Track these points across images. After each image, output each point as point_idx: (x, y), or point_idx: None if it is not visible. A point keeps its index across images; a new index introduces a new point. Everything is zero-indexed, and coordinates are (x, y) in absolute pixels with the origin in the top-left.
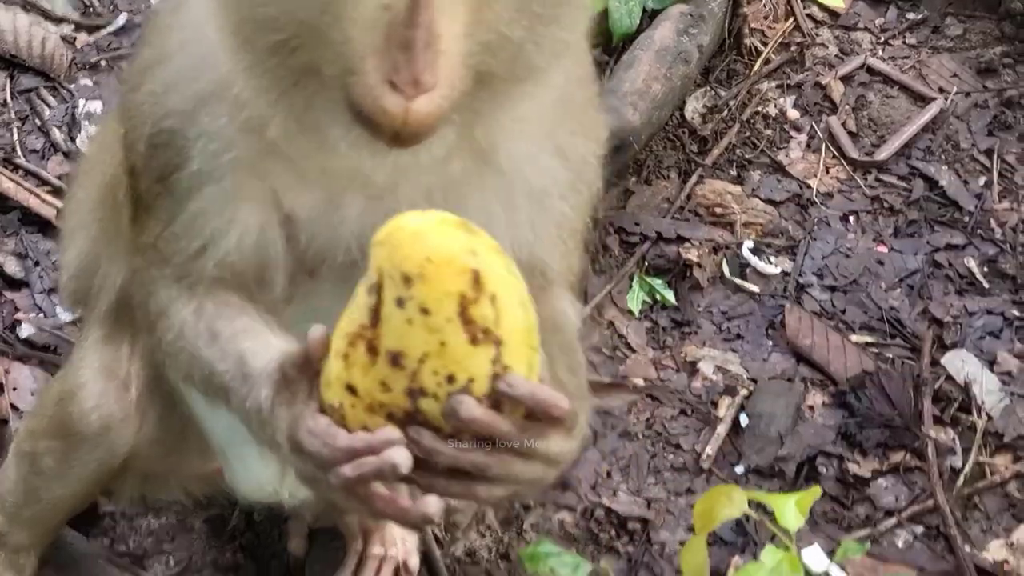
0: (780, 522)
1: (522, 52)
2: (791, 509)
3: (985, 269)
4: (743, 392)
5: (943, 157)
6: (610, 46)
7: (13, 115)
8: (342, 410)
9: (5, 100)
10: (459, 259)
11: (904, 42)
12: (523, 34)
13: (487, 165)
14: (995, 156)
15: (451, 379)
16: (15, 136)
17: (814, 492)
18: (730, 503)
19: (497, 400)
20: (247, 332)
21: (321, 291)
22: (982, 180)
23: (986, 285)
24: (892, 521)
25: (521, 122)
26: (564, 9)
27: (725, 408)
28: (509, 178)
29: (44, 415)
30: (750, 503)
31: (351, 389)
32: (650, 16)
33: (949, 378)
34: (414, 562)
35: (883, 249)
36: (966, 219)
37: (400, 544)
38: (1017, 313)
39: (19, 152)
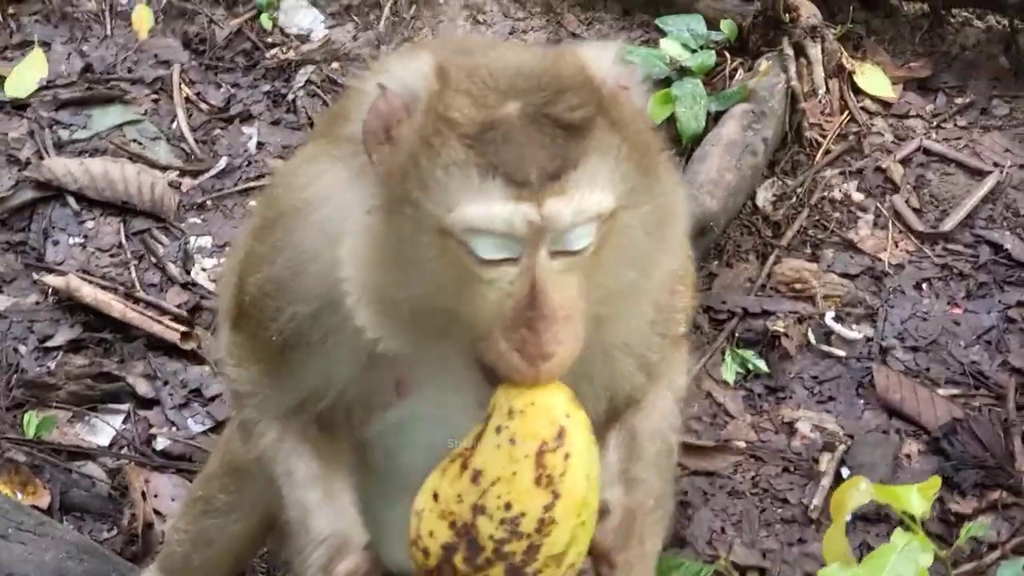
0: (907, 509)
1: (630, 291)
2: (915, 496)
3: None
4: (841, 447)
5: (1005, 224)
6: (681, 147)
7: (129, 255)
8: (420, 516)
9: (120, 242)
10: (555, 412)
11: (956, 124)
12: (629, 277)
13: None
14: None
15: (508, 507)
16: (133, 273)
17: (934, 483)
18: (859, 493)
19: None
20: (316, 481)
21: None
22: None
23: None
24: (996, 554)
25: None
26: (657, 259)
27: (826, 463)
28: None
29: (214, 460)
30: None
31: (435, 496)
32: (715, 117)
33: None
34: None
35: (958, 311)
36: None
37: None
38: None
39: (138, 287)
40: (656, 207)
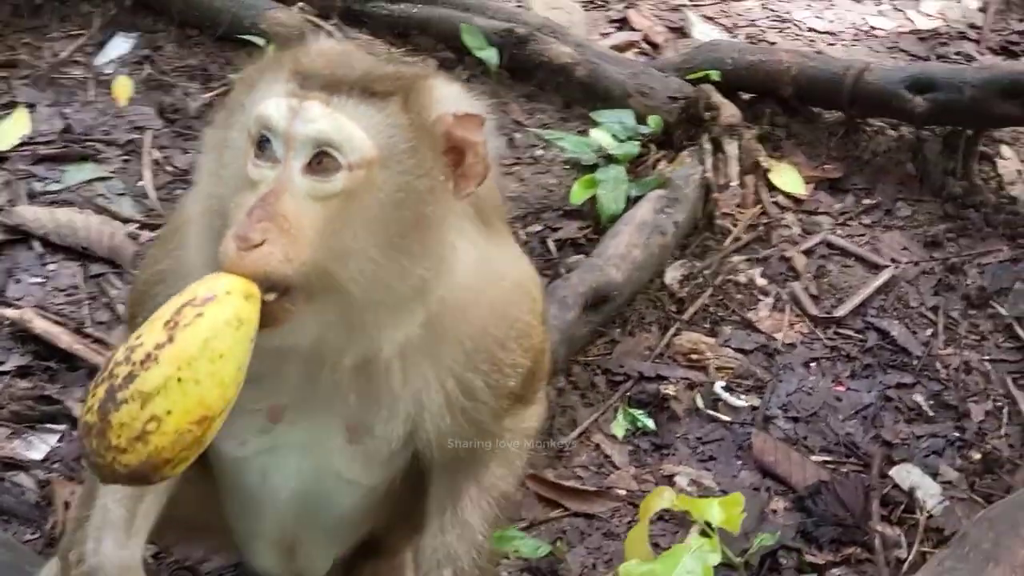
0: (705, 517)
1: (375, 273)
2: (715, 507)
3: (931, 402)
4: (756, 548)
5: (894, 313)
6: (599, 226)
7: (84, 295)
8: None
9: (77, 284)
10: (219, 284)
11: (860, 222)
12: (369, 256)
13: (375, 379)
14: (940, 311)
15: (137, 337)
16: (85, 311)
17: (737, 499)
18: (662, 500)
19: None
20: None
21: None
22: (929, 331)
23: (931, 414)
24: None
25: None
26: (419, 251)
27: (739, 563)
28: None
29: None
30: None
31: None
32: (634, 201)
33: (896, 486)
34: None
35: (841, 388)
36: (914, 363)
37: None
38: (958, 435)
39: (88, 323)
40: (410, 188)
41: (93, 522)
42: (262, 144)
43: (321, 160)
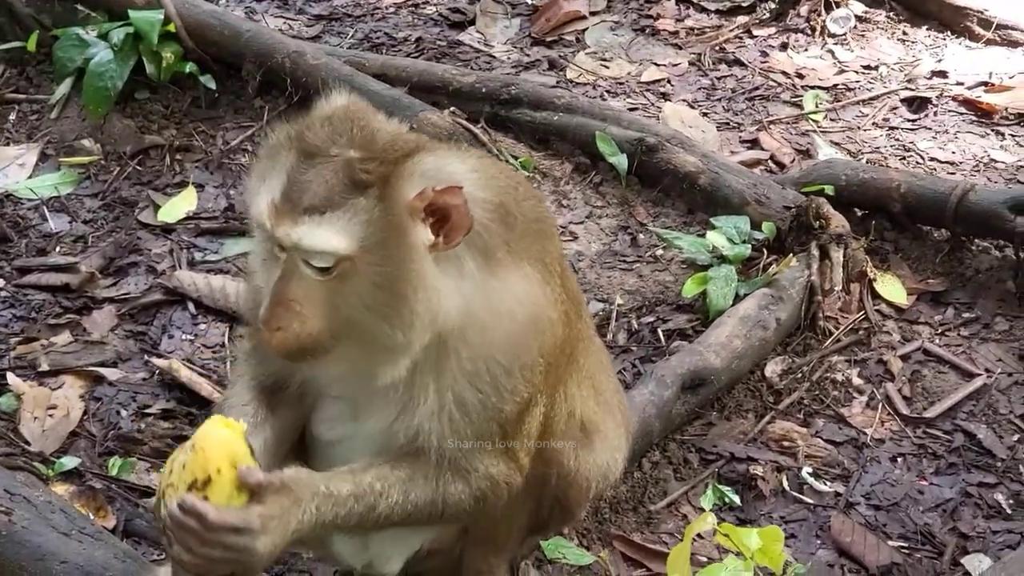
0: (743, 544)
1: (368, 330)
2: (754, 537)
3: (1011, 501)
4: (792, 572)
5: (983, 419)
6: (707, 320)
7: (229, 353)
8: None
9: (223, 343)
10: (208, 463)
11: (959, 334)
12: (368, 323)
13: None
14: None
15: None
16: (228, 367)
17: (776, 532)
18: (705, 524)
19: None
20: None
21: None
22: (1015, 437)
23: (1010, 512)
24: None
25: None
26: (397, 316)
27: None
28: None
29: None
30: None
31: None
32: (741, 298)
33: (967, 574)
34: None
35: (924, 483)
36: (998, 464)
37: None
38: None
39: (229, 376)
40: (390, 275)
41: None
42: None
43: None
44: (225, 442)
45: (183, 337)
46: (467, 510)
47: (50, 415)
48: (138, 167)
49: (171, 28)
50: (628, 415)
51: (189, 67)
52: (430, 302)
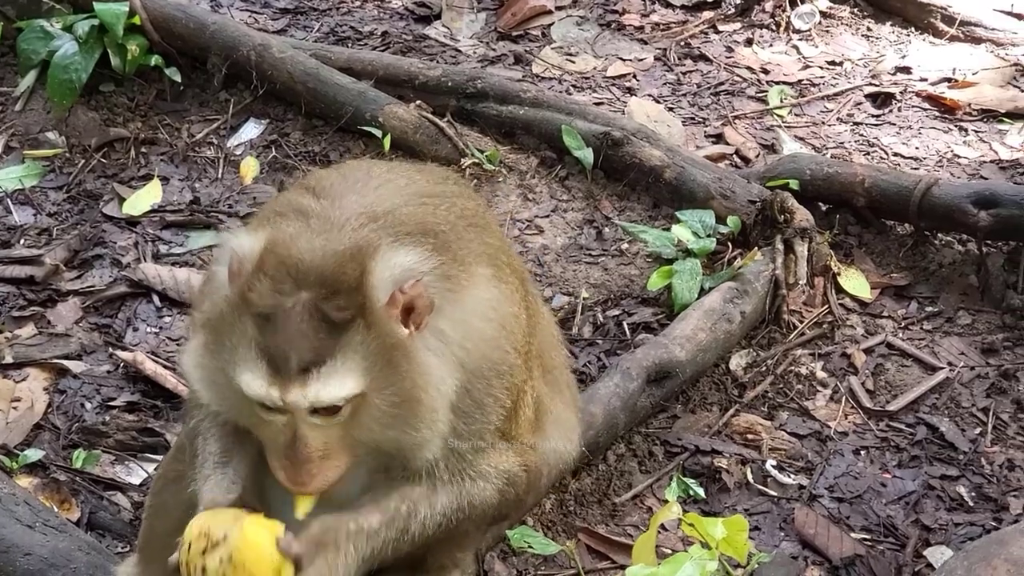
0: (707, 534)
1: (393, 441)
2: (719, 526)
3: (973, 494)
4: (755, 565)
5: (946, 412)
6: (672, 313)
7: None
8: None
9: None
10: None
11: (921, 328)
12: (389, 437)
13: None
14: (991, 413)
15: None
16: None
17: (740, 521)
18: (670, 512)
19: None
20: (217, 458)
21: None
22: (977, 430)
23: (972, 505)
24: None
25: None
26: (417, 421)
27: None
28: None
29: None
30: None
31: (189, 547)
32: (706, 291)
33: (929, 565)
34: None
35: (887, 475)
36: (960, 458)
37: None
38: (996, 525)
39: None
40: (399, 390)
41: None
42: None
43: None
44: (264, 549)
45: (148, 330)
46: (495, 504)
47: (14, 407)
48: (103, 160)
49: (136, 21)
50: (576, 393)
51: (154, 60)
52: (436, 382)
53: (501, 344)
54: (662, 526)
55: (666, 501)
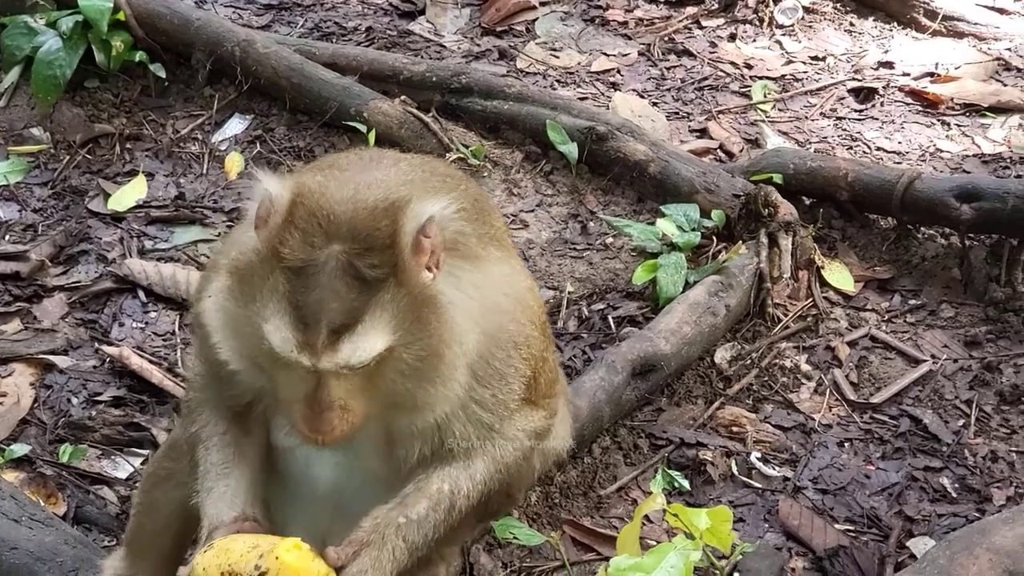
0: (691, 524)
1: (411, 394)
2: (703, 517)
3: (956, 485)
4: (738, 555)
5: (929, 404)
6: (657, 307)
7: (179, 340)
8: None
9: (174, 330)
10: None
11: (905, 321)
12: (409, 390)
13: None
14: (974, 405)
15: None
16: (178, 354)
17: (724, 512)
18: (655, 503)
19: None
20: (220, 469)
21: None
22: (960, 422)
23: (955, 496)
24: None
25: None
26: (437, 375)
27: (722, 567)
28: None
29: (163, 443)
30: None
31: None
32: (691, 285)
33: (912, 556)
34: None
35: (871, 467)
36: (944, 449)
37: None
38: (978, 515)
39: (179, 364)
40: (425, 345)
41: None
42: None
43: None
44: (308, 569)
45: (134, 325)
46: (529, 460)
47: (0, 403)
48: (88, 156)
49: (121, 17)
50: (566, 386)
51: (139, 56)
52: (458, 337)
53: (518, 317)
54: (647, 518)
55: (651, 493)
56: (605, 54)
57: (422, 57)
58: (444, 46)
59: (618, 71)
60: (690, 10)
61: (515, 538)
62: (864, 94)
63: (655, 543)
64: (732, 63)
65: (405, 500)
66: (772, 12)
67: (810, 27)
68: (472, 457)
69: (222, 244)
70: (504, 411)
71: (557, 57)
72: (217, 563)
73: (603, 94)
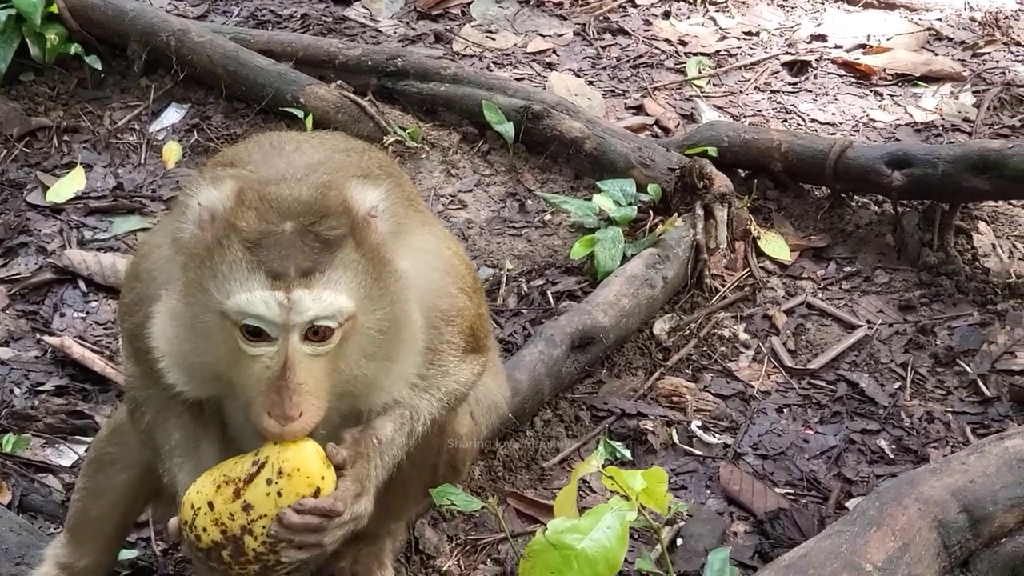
0: (626, 486)
1: (372, 380)
2: (638, 478)
3: (893, 446)
4: (681, 523)
5: (865, 368)
6: (596, 281)
7: (119, 329)
8: (196, 512)
9: (115, 319)
10: (313, 477)
11: (840, 288)
12: (370, 370)
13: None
14: (909, 368)
15: (268, 534)
16: (119, 343)
17: (659, 473)
18: (590, 466)
19: None
20: (183, 451)
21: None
22: (896, 385)
23: (892, 457)
24: None
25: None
26: (396, 353)
27: (665, 532)
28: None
29: (104, 427)
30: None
31: (210, 504)
32: (629, 259)
33: None
34: None
35: (809, 432)
36: (880, 412)
37: None
38: None
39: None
40: (387, 314)
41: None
42: (252, 330)
43: (316, 331)
44: (316, 455)
45: (75, 315)
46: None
47: None
48: (25, 149)
49: (54, 9)
50: (497, 351)
51: (74, 48)
52: (415, 305)
53: (449, 290)
54: (587, 485)
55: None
56: (541, 35)
57: (358, 43)
58: (380, 31)
59: (554, 51)
60: None
61: (452, 504)
62: (797, 67)
63: None
64: (667, 40)
65: (372, 424)
66: None
67: (743, 3)
68: (426, 392)
69: (146, 247)
70: (448, 369)
71: (493, 39)
72: (212, 478)
73: (539, 74)
